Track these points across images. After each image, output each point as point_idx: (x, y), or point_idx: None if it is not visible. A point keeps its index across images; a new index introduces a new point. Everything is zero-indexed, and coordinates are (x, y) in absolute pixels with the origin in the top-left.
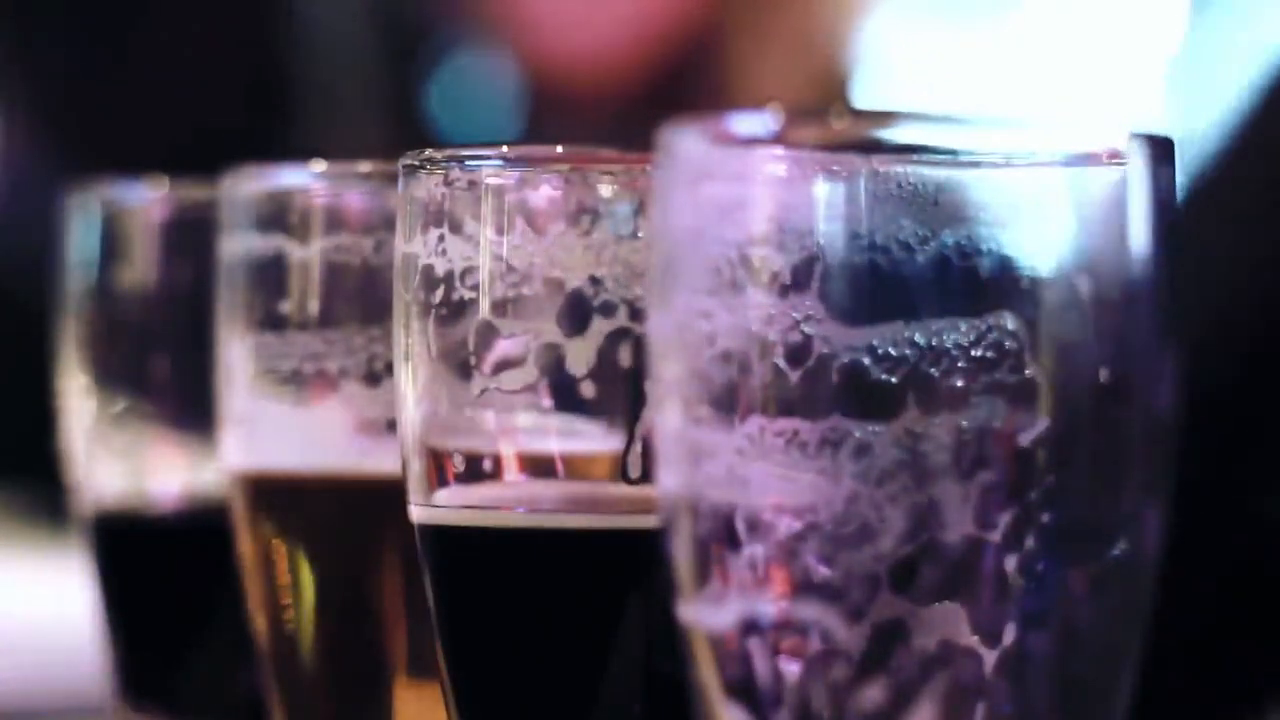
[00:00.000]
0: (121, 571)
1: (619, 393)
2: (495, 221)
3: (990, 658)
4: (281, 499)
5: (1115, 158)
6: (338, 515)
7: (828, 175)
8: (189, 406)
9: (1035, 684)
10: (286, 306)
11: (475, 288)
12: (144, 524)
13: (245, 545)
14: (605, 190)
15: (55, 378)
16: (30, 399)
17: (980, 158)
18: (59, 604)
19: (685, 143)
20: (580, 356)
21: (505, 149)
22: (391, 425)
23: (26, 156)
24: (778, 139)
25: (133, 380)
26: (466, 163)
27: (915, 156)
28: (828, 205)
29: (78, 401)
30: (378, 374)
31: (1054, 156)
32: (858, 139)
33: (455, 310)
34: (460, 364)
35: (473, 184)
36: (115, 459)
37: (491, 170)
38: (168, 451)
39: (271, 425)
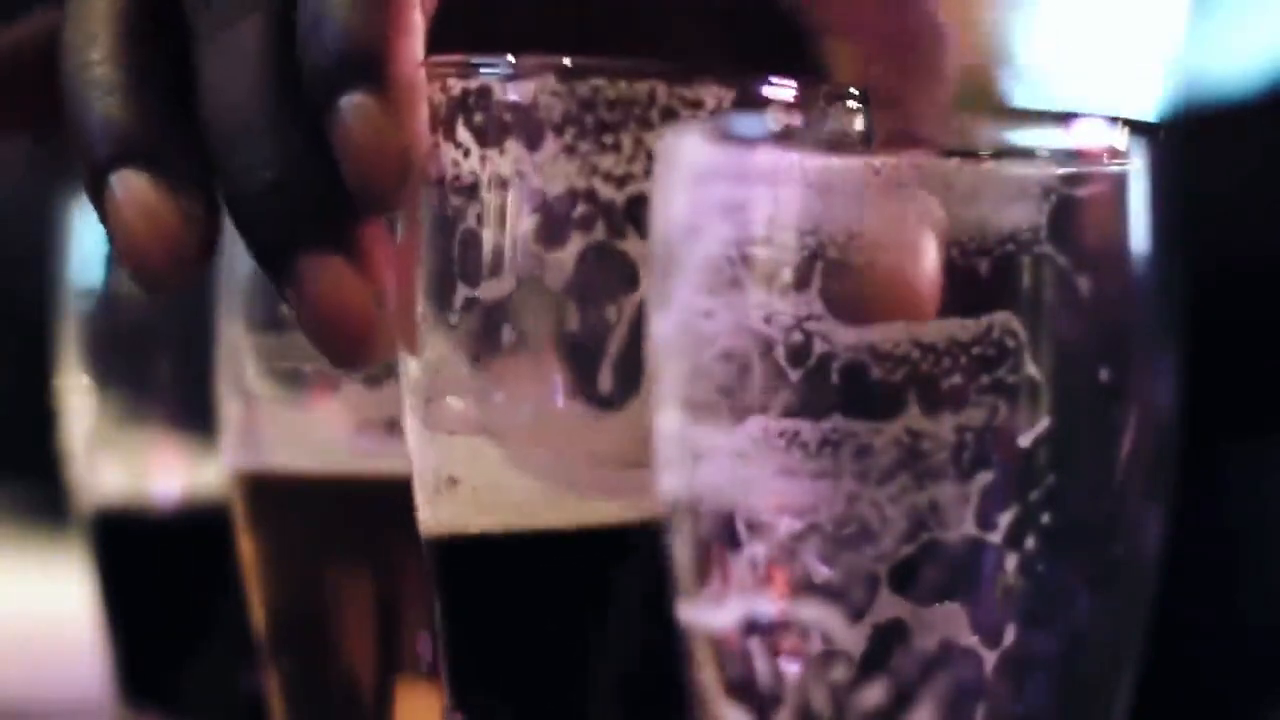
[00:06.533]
0: (121, 571)
1: (595, 308)
2: (498, 130)
3: (990, 658)
4: (281, 499)
5: (1115, 157)
6: (338, 515)
7: (828, 175)
8: (189, 406)
9: (1036, 684)
10: (286, 306)
11: (468, 195)
12: (144, 524)
13: (245, 545)
14: (608, 103)
15: (55, 378)
16: (30, 399)
17: (981, 156)
18: (59, 604)
19: (685, 142)
20: (557, 271)
21: (516, 58)
22: (392, 425)
23: (26, 156)
24: (778, 139)
25: (133, 380)
26: (481, 70)
27: (915, 155)
28: (828, 205)
29: (78, 401)
30: (378, 374)
31: (1054, 155)
32: (858, 138)
33: (451, 219)
34: (450, 273)
35: (484, 91)
36: (115, 459)
37: (501, 77)
38: (168, 451)
39: (271, 425)
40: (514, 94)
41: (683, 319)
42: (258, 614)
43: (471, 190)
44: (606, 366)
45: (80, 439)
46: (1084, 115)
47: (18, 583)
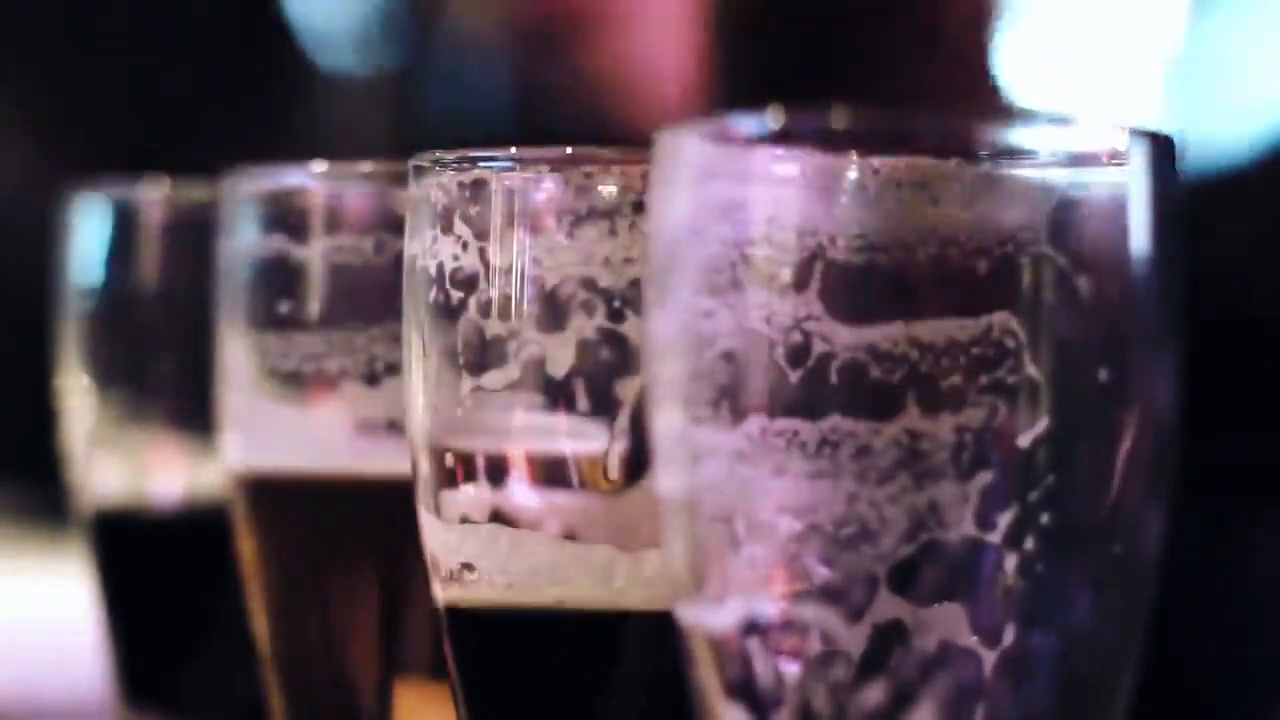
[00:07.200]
0: (121, 571)
1: (599, 394)
2: (496, 222)
3: (990, 658)
4: (281, 499)
5: (1115, 158)
6: (337, 515)
7: (828, 175)
8: (189, 406)
9: (1035, 684)
10: (286, 306)
11: (469, 287)
12: (144, 524)
13: (245, 545)
14: (604, 190)
15: (55, 378)
16: (30, 399)
17: (980, 157)
18: (59, 604)
19: (685, 143)
20: (560, 357)
21: (515, 150)
22: (391, 425)
23: (25, 155)
24: (778, 139)
25: (133, 380)
26: (479, 164)
27: (915, 155)
28: (828, 205)
29: (78, 401)
30: (378, 374)
31: (1054, 156)
32: (858, 138)
33: (454, 311)
34: (455, 364)
35: (480, 184)
36: (115, 459)
37: (499, 171)
38: (168, 451)
39: (271, 425)
40: (509, 186)
41: (683, 319)
42: (258, 614)
43: (471, 282)
44: (613, 451)
45: (80, 439)
46: (1084, 116)
47: (18, 583)
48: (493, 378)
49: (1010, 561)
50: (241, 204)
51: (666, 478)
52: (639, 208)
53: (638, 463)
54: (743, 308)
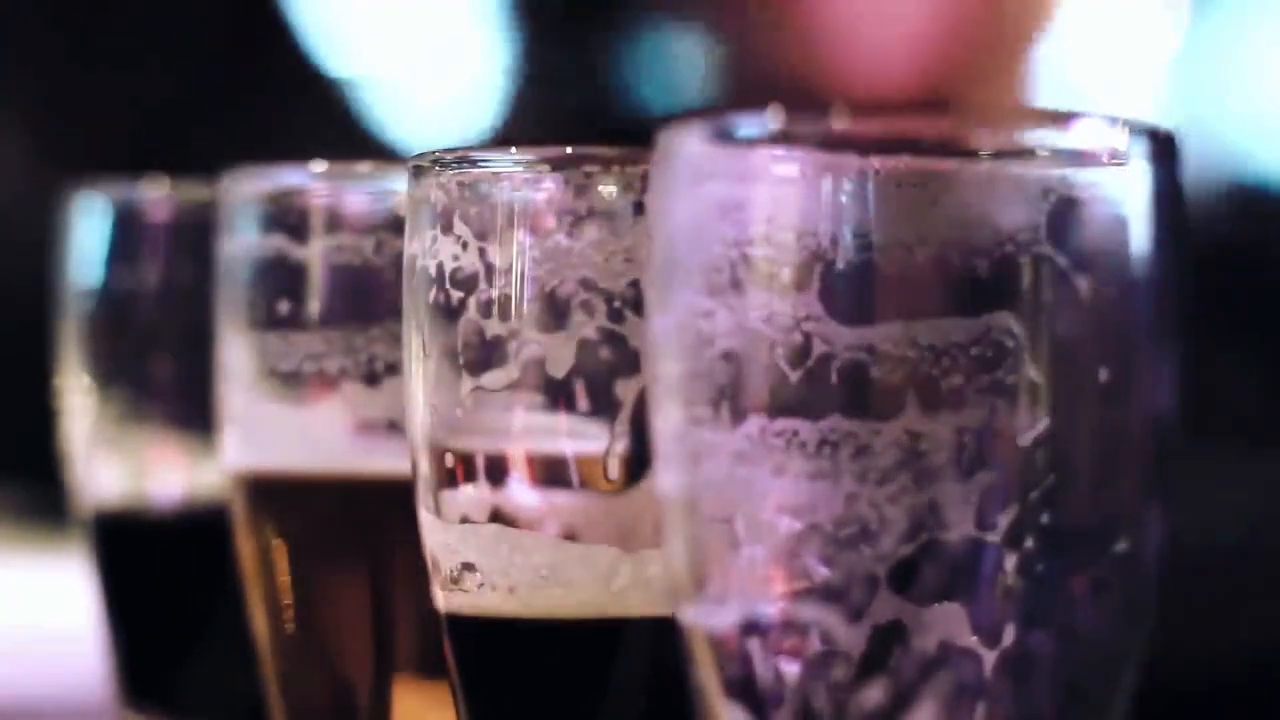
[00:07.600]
0: (121, 571)
1: (599, 394)
2: (496, 222)
3: (990, 658)
4: (281, 499)
5: (1115, 157)
6: (337, 515)
7: (828, 175)
8: (189, 406)
9: (1035, 685)
10: (286, 306)
11: (469, 287)
12: (144, 524)
13: (245, 545)
14: (604, 190)
15: (55, 378)
16: (30, 399)
17: (980, 157)
18: (59, 604)
19: (685, 143)
20: (560, 357)
21: (515, 150)
22: (391, 425)
23: (25, 155)
24: (778, 139)
25: (133, 380)
26: (479, 164)
27: (915, 155)
28: (828, 205)
29: (78, 401)
30: (378, 374)
31: (1054, 155)
32: (858, 138)
33: (454, 311)
34: (455, 364)
35: (480, 184)
36: (115, 459)
37: (499, 171)
38: (168, 451)
39: (271, 425)
40: (509, 186)
41: (683, 319)
42: (257, 614)
43: (471, 282)
44: (613, 451)
45: (80, 439)
46: (1084, 115)
47: (18, 583)
48: (493, 378)
49: (1010, 561)
50: (241, 204)
51: (666, 478)
52: (639, 208)
53: (638, 463)
54: (743, 308)
